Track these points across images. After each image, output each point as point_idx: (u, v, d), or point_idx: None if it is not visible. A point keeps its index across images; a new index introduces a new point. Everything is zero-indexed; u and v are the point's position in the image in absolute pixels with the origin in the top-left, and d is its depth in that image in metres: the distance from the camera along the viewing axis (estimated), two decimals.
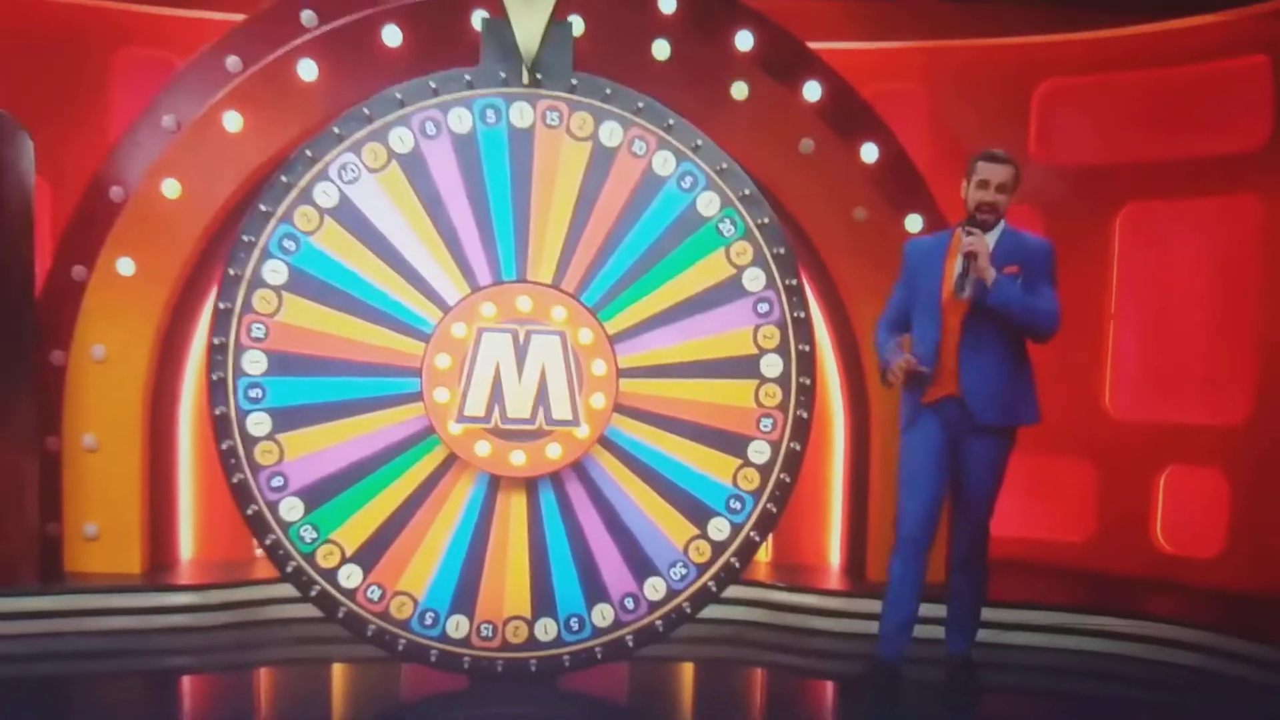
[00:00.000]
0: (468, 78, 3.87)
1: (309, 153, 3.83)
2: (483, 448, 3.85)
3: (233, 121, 4.80)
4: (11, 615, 4.58)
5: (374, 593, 3.89)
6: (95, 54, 5.52)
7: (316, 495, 3.86)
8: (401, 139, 3.85)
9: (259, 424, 3.83)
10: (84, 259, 4.91)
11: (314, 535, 3.86)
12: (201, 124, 4.84)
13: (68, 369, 4.92)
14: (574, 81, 3.90)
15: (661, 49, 4.89)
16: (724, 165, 3.95)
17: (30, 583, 4.75)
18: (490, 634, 3.94)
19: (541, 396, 3.84)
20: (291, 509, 3.85)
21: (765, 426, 3.99)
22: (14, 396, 4.73)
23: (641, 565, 3.98)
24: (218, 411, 3.81)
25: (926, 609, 4.11)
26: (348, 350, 3.85)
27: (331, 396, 3.87)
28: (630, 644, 3.99)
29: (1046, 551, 5.71)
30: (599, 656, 3.99)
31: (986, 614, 4.23)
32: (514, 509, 3.95)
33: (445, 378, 3.82)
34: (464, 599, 3.92)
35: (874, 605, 4.12)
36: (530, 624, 3.95)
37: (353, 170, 3.83)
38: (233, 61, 4.90)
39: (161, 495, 5.16)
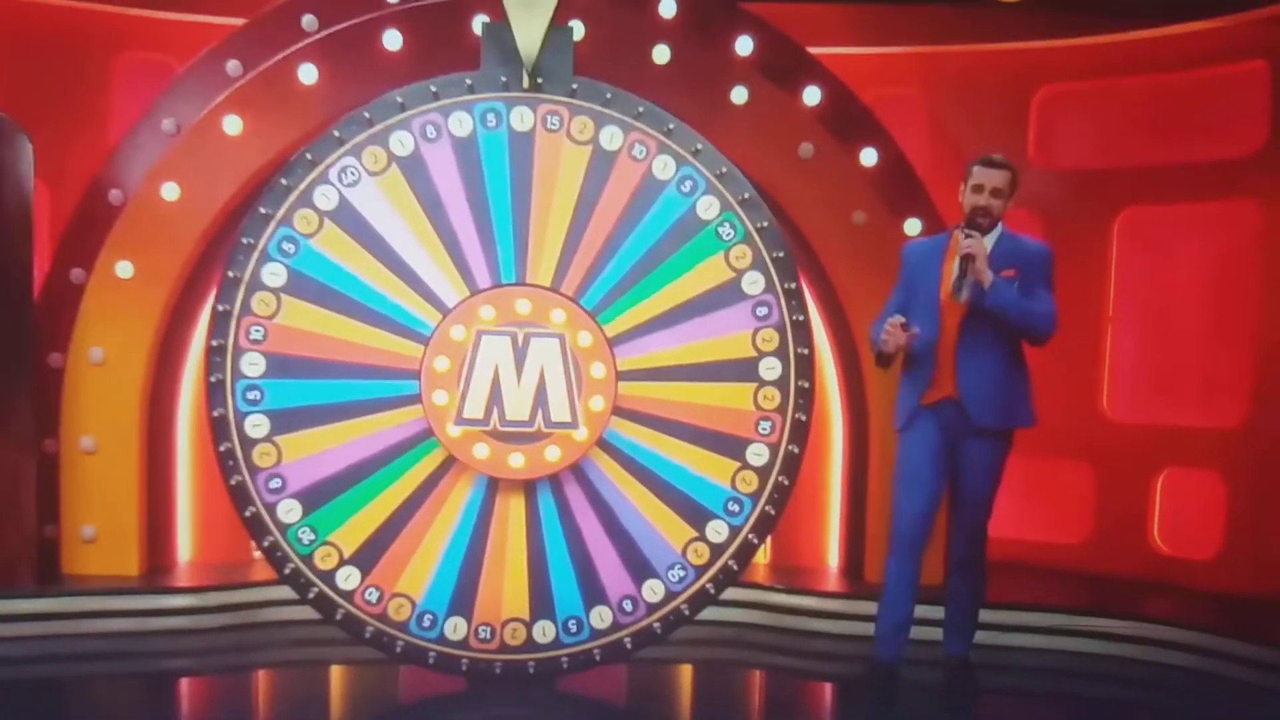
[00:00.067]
0: (468, 82, 3.89)
1: (309, 156, 3.84)
2: (481, 450, 3.85)
3: (232, 125, 4.80)
4: (9, 617, 4.58)
5: (372, 595, 3.89)
6: (95, 57, 5.52)
7: (315, 497, 3.86)
8: (402, 142, 3.86)
9: (257, 426, 3.84)
10: (83, 261, 4.91)
11: (312, 537, 3.87)
12: (201, 127, 4.85)
13: (66, 371, 4.91)
14: (574, 86, 3.91)
15: (662, 53, 4.90)
16: (724, 169, 3.96)
17: (28, 585, 4.75)
18: (488, 636, 3.94)
19: (540, 399, 3.85)
20: (289, 511, 3.86)
21: (764, 429, 4.00)
22: (12, 398, 4.74)
23: (640, 567, 3.98)
24: (216, 413, 3.82)
25: (925, 611, 4.12)
26: (346, 353, 3.86)
27: (330, 399, 3.87)
28: (628, 646, 3.99)
29: (1044, 553, 5.72)
30: (597, 658, 3.99)
31: (984, 616, 4.23)
32: (512, 511, 3.96)
33: (444, 380, 3.83)
34: (462, 601, 3.93)
35: (872, 607, 4.12)
36: (528, 626, 3.96)
37: (353, 173, 3.84)
38: (233, 65, 4.90)
39: (159, 497, 5.16)
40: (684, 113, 4.08)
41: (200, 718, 4.16)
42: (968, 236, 3.82)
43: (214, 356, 3.81)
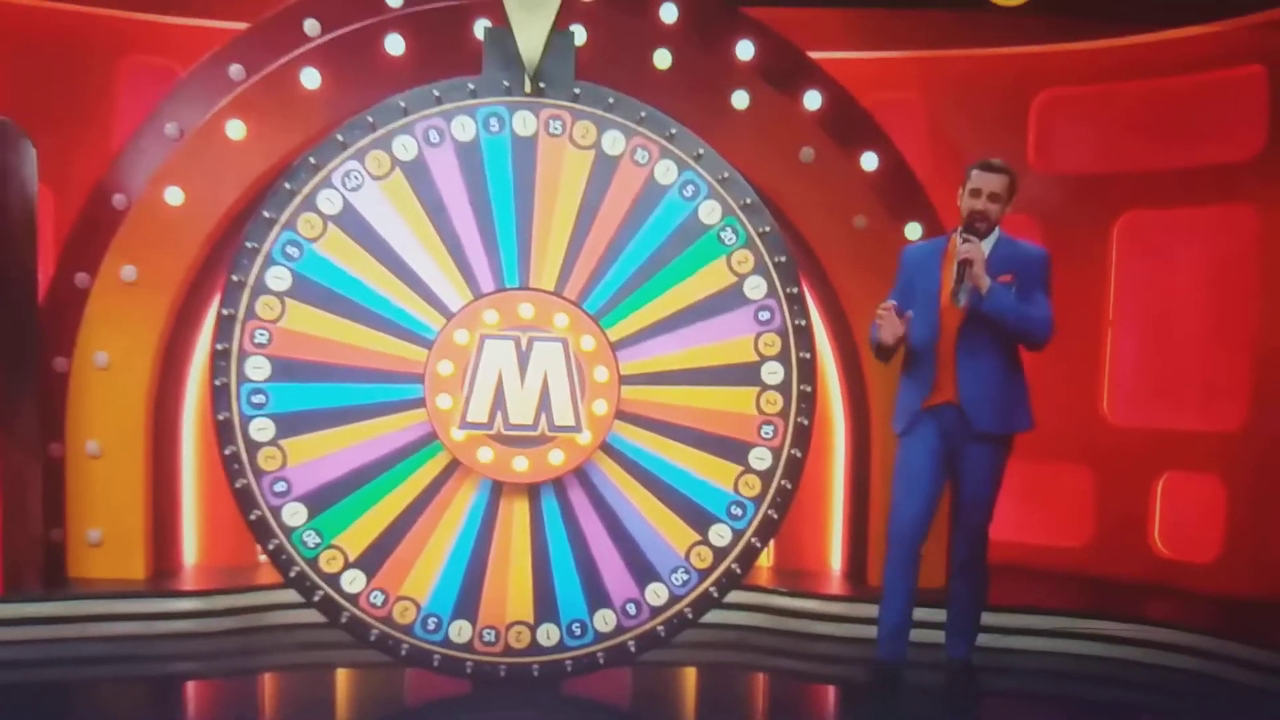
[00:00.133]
0: (471, 86, 3.90)
1: (313, 160, 3.85)
2: (485, 454, 3.86)
3: (236, 129, 4.82)
4: (15, 621, 4.59)
5: (377, 598, 3.90)
6: (98, 62, 5.54)
7: (319, 500, 3.87)
8: (405, 146, 3.87)
9: (262, 429, 3.85)
10: (87, 266, 4.93)
11: (317, 540, 3.88)
12: (204, 132, 4.87)
13: (71, 375, 4.93)
14: (576, 91, 3.93)
15: (663, 58, 4.92)
16: (725, 174, 3.98)
17: (34, 588, 4.76)
18: (493, 639, 3.95)
19: (544, 403, 3.86)
20: (294, 514, 3.86)
21: (766, 433, 4.01)
22: (17, 403, 4.75)
23: (643, 571, 3.99)
24: (221, 417, 3.83)
25: (927, 614, 4.14)
26: (350, 356, 3.87)
27: (334, 402, 3.88)
28: (632, 649, 4.00)
29: (1045, 556, 5.73)
30: (601, 661, 4.00)
31: (986, 618, 4.25)
32: (516, 514, 3.97)
33: (448, 384, 3.84)
34: (467, 604, 3.94)
35: (875, 610, 4.14)
36: (533, 629, 3.97)
37: (356, 177, 3.86)
38: (236, 70, 4.93)
39: (165, 501, 5.17)
40: (685, 117, 4.09)
41: None
42: (965, 241, 3.83)
43: (218, 360, 3.82)
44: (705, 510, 4.00)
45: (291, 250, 3.84)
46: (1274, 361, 5.23)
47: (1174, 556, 5.56)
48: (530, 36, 3.84)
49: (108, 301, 4.91)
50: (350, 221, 3.85)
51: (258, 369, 3.84)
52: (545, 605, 3.96)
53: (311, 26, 4.94)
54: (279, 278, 3.83)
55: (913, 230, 5.09)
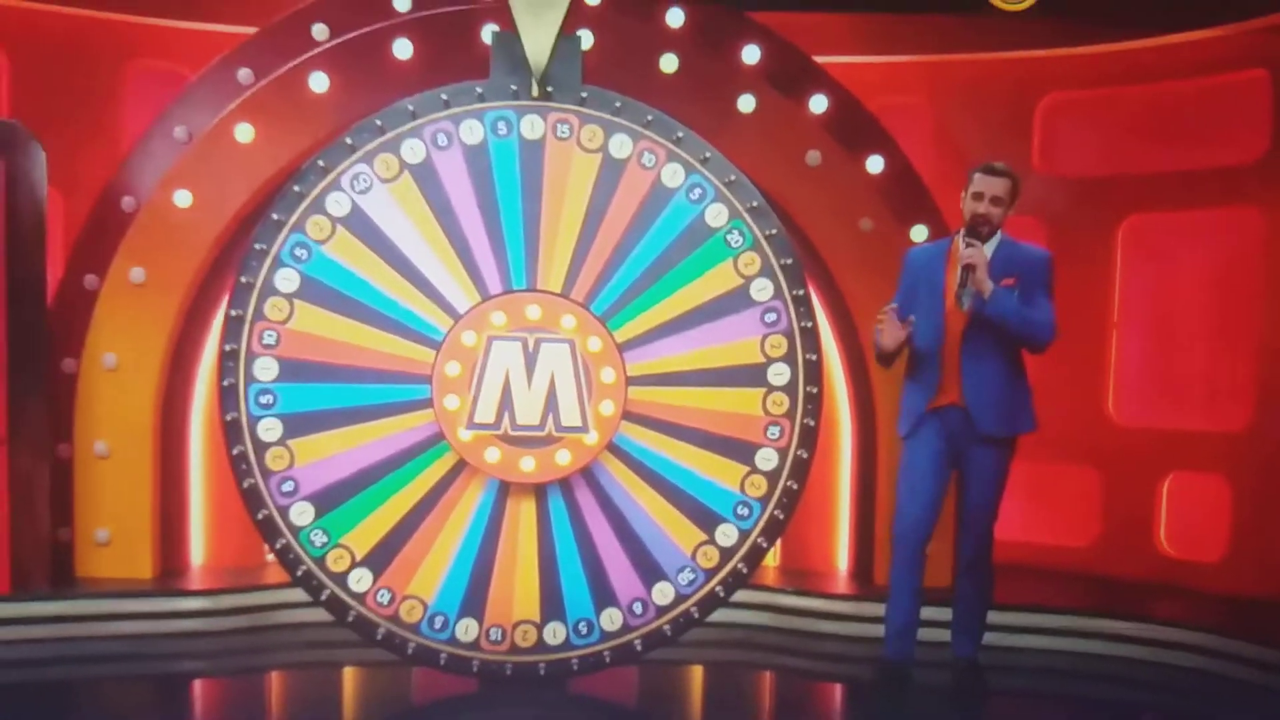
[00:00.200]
0: (479, 90, 3.92)
1: (321, 163, 3.87)
2: (492, 454, 3.88)
3: (244, 133, 4.85)
4: (23, 620, 4.61)
5: (384, 596, 3.92)
6: (107, 65, 5.56)
7: (327, 500, 3.89)
8: (413, 150, 3.89)
9: (270, 430, 3.87)
10: (96, 268, 4.96)
11: (324, 539, 3.89)
12: (213, 135, 4.90)
13: (79, 376, 4.95)
14: (584, 94, 3.95)
15: (669, 62, 4.95)
16: (732, 177, 4.00)
17: (42, 588, 4.78)
18: (499, 638, 3.97)
19: (551, 403, 3.88)
20: (302, 514, 3.88)
21: (773, 434, 4.03)
22: (26, 403, 4.77)
23: (650, 570, 4.01)
24: (229, 417, 3.85)
25: (933, 613, 4.15)
26: (358, 357, 3.89)
27: (342, 403, 3.91)
28: (638, 648, 4.02)
29: (1052, 556, 5.75)
30: (607, 660, 4.02)
31: (992, 617, 4.26)
32: (523, 514, 3.99)
33: (455, 385, 3.86)
34: (473, 603, 3.96)
35: (881, 609, 4.14)
36: (539, 628, 3.98)
37: (365, 180, 3.88)
38: (244, 73, 4.96)
39: (173, 501, 5.19)
40: (692, 121, 4.11)
41: (213, 719, 4.20)
42: (968, 245, 3.85)
43: (227, 361, 3.84)
44: (711, 510, 4.02)
45: (300, 252, 3.86)
46: (1278, 362, 5.24)
47: (1180, 556, 5.57)
48: (538, 41, 3.86)
49: (116, 303, 4.94)
50: (358, 224, 3.88)
51: (266, 370, 3.86)
52: (552, 604, 3.98)
53: (320, 31, 4.97)
54: (287, 279, 3.86)
55: (918, 233, 5.10)
